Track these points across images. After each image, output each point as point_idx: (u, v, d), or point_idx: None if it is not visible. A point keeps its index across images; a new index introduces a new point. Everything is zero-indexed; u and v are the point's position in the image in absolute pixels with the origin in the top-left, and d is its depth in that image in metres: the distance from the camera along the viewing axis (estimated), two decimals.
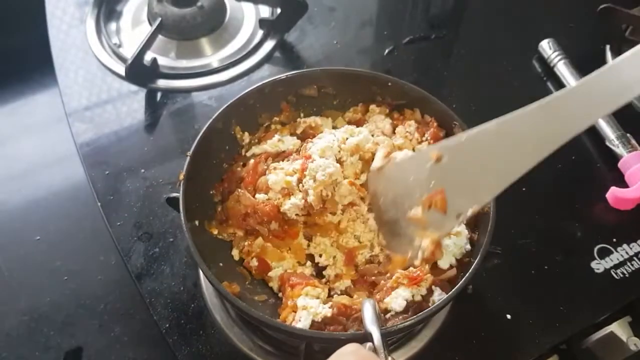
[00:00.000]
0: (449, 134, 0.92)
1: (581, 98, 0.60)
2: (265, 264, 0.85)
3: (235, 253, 0.87)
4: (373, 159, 0.86)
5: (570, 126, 0.59)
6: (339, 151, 0.88)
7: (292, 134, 0.96)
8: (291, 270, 0.85)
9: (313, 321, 0.76)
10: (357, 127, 0.95)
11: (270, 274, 0.85)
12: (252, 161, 0.91)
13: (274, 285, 0.85)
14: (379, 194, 0.80)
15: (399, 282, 0.80)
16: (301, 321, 0.76)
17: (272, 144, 0.93)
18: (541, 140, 0.61)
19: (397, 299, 0.78)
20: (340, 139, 0.89)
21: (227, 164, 0.93)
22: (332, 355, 0.60)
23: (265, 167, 0.90)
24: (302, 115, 0.97)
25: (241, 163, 0.93)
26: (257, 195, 0.87)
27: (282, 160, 0.91)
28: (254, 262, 0.85)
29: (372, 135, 0.92)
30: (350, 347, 0.60)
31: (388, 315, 0.78)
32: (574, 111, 0.59)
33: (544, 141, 0.60)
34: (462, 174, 0.69)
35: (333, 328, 0.76)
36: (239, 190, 0.88)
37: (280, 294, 0.84)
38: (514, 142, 0.63)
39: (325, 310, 0.76)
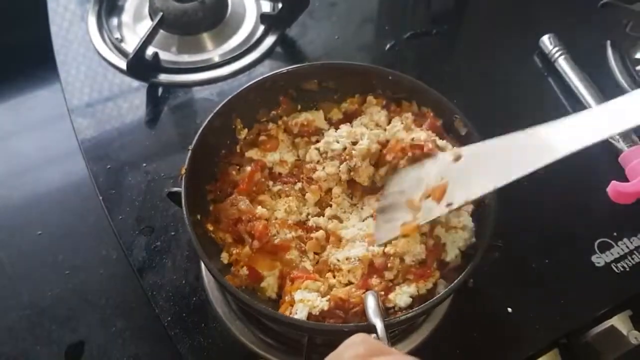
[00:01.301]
0: (446, 125, 0.92)
1: (560, 132, 0.74)
2: (256, 273, 0.83)
3: (224, 256, 0.85)
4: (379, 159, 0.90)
5: (549, 153, 0.72)
6: (352, 158, 0.88)
7: (287, 133, 0.96)
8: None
9: (310, 314, 0.76)
10: (353, 118, 0.96)
11: (262, 284, 0.83)
12: (248, 168, 0.91)
13: (271, 292, 0.83)
14: (390, 185, 0.88)
15: (406, 278, 0.80)
16: (297, 314, 0.76)
17: (271, 160, 0.93)
18: (527, 158, 0.74)
19: (403, 296, 0.78)
20: (348, 146, 0.89)
21: (226, 160, 0.93)
22: (340, 345, 0.60)
23: (263, 179, 0.91)
24: (299, 107, 0.97)
25: (237, 166, 0.92)
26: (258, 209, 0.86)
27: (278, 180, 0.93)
28: (244, 271, 0.83)
29: (367, 128, 0.93)
30: (359, 337, 0.60)
31: (392, 311, 0.78)
32: (551, 143, 0.73)
33: (529, 159, 0.73)
34: (466, 174, 0.79)
35: (333, 321, 0.76)
36: (239, 197, 0.87)
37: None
38: (509, 155, 0.76)
39: (323, 304, 0.76)
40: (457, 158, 0.81)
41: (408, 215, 0.82)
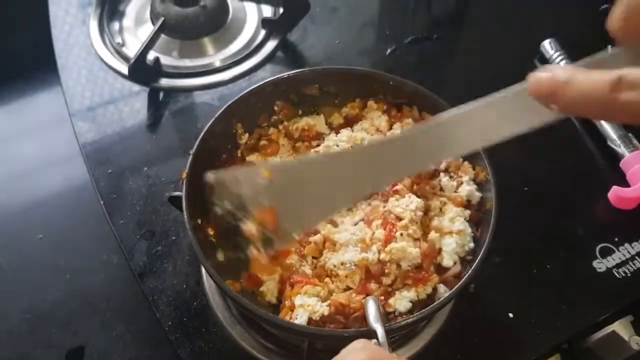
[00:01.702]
0: None
1: (403, 148, 0.62)
2: (255, 277, 0.82)
3: (220, 255, 0.83)
4: None
5: (391, 172, 0.63)
6: None
7: (287, 137, 0.96)
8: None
9: (310, 319, 0.75)
10: (354, 123, 0.95)
11: (262, 288, 0.82)
12: None
13: (271, 297, 0.82)
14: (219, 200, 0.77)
15: (404, 283, 0.80)
16: (297, 319, 0.75)
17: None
18: (359, 181, 0.64)
19: (402, 301, 0.78)
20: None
21: (227, 164, 0.92)
22: (341, 351, 0.59)
23: None
24: (300, 112, 0.97)
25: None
26: None
27: None
28: (244, 275, 0.82)
29: (368, 133, 0.93)
30: (360, 343, 0.60)
31: (392, 316, 0.78)
32: (396, 158, 0.62)
33: (362, 182, 0.64)
34: (292, 197, 0.70)
35: (333, 326, 0.76)
36: None
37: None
38: (334, 178, 0.66)
39: (323, 309, 0.76)
40: (270, 177, 0.70)
41: (252, 247, 0.74)
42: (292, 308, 0.78)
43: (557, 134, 1.13)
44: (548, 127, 1.13)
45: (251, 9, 1.32)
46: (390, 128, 0.94)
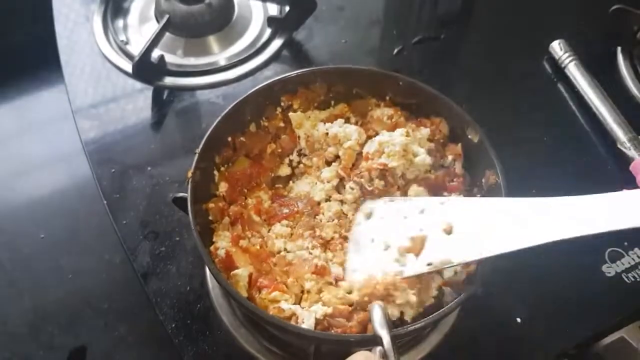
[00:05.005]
0: (457, 135, 0.91)
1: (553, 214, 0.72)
2: (230, 258, 0.80)
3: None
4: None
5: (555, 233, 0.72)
6: None
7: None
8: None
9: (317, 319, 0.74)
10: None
11: (236, 272, 0.80)
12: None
13: (243, 289, 0.79)
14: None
15: None
16: (305, 322, 0.74)
17: None
18: (522, 233, 0.73)
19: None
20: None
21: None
22: None
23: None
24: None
25: None
26: None
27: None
28: (222, 253, 0.80)
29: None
30: (360, 357, 0.59)
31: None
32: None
33: (523, 235, 0.73)
34: (445, 235, 0.76)
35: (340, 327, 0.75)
36: None
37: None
38: (499, 226, 0.73)
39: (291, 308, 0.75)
40: (448, 230, 0.75)
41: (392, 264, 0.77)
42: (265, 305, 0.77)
43: (566, 136, 1.13)
44: (557, 129, 1.11)
45: (257, 8, 1.31)
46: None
